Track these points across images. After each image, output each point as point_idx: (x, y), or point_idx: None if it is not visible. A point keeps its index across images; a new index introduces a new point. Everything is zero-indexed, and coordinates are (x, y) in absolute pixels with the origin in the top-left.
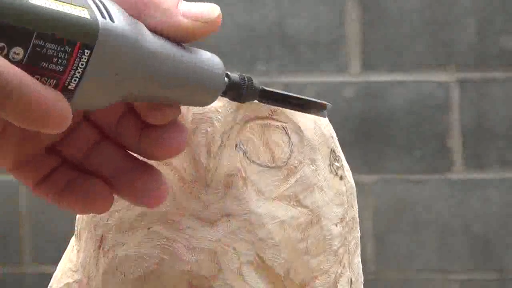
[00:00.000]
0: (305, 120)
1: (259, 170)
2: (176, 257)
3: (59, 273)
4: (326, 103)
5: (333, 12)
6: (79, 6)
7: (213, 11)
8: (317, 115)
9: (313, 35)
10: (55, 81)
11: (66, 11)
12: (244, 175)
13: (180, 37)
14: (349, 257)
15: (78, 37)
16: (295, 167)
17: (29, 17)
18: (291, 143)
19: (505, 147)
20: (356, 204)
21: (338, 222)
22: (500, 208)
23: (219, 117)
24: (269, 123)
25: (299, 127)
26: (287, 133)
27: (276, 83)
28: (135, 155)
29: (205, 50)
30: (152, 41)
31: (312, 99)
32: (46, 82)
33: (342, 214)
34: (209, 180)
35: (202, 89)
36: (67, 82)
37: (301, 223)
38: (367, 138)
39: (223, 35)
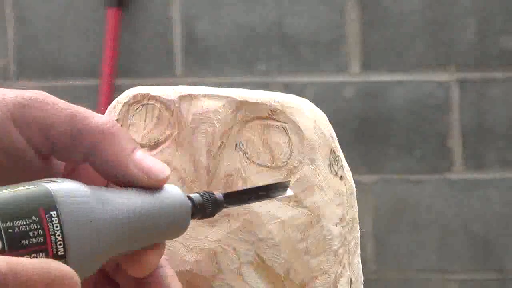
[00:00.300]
0: (305, 120)
1: (259, 170)
2: (176, 257)
3: None
4: (286, 181)
5: (333, 12)
6: (26, 185)
7: (163, 171)
8: (283, 195)
9: (313, 35)
10: (44, 253)
11: (14, 189)
12: (244, 175)
13: (126, 183)
14: (349, 257)
15: (37, 204)
16: (295, 167)
17: None
18: (291, 143)
19: (505, 147)
20: (356, 204)
21: (338, 222)
22: (500, 208)
23: (219, 117)
24: (269, 123)
25: (299, 127)
26: (287, 133)
27: (276, 83)
28: None
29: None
30: (108, 201)
31: (273, 183)
32: (38, 255)
33: (342, 214)
34: (209, 180)
35: (171, 226)
36: (54, 249)
37: (301, 223)
38: (367, 138)
39: (223, 35)
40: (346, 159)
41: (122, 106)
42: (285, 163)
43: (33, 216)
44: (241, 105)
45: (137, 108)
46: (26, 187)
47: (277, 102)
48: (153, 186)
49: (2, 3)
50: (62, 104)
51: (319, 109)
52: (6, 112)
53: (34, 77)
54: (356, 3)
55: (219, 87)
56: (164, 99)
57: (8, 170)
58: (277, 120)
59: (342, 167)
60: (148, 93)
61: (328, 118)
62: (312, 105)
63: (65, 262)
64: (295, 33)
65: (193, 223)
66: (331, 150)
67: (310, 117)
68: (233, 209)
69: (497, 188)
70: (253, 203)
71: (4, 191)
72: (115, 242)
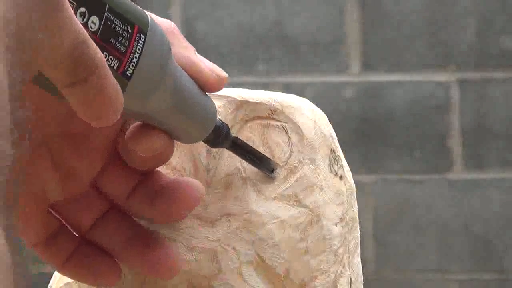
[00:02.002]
0: (305, 120)
1: (259, 170)
2: None
3: (59, 273)
4: (275, 164)
5: (333, 12)
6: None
7: (223, 71)
8: (270, 174)
9: (313, 35)
10: (118, 62)
11: None
12: (244, 175)
13: (197, 80)
14: (349, 257)
15: (137, 20)
16: (295, 166)
17: None
18: (291, 143)
19: (505, 147)
20: (356, 204)
21: (338, 222)
22: (500, 208)
23: (219, 117)
24: (269, 123)
25: (299, 126)
26: (287, 133)
27: (276, 83)
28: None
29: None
30: (178, 68)
31: (269, 158)
32: (111, 62)
33: (342, 214)
34: (209, 180)
35: (197, 125)
36: (126, 66)
37: (301, 223)
38: (367, 138)
39: (223, 35)
40: (346, 159)
41: None
42: (285, 163)
43: (129, 27)
44: (241, 104)
45: None
46: (135, 4)
47: (277, 102)
48: (216, 84)
49: None
50: None
51: (319, 109)
52: None
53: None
54: (356, 3)
55: None
56: None
57: None
58: (277, 120)
59: (342, 167)
60: None
61: (328, 118)
62: (312, 105)
63: (125, 84)
64: (295, 33)
65: (194, 223)
66: (331, 150)
67: (310, 117)
68: (233, 209)
69: (497, 188)
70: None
71: None
72: (166, 100)
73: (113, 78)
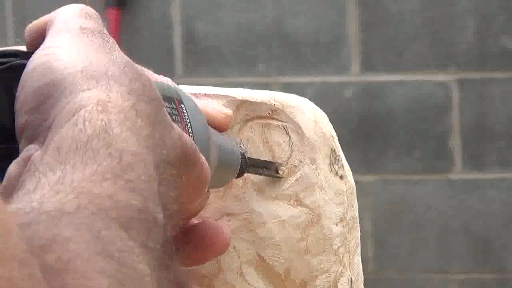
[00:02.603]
0: (305, 119)
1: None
2: None
3: None
4: (280, 162)
5: (333, 12)
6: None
7: (225, 108)
8: (277, 175)
9: (313, 35)
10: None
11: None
12: (244, 174)
13: (216, 125)
14: (349, 256)
15: (171, 94)
16: (295, 166)
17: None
18: (291, 143)
19: (505, 147)
20: (356, 204)
21: (338, 222)
22: (500, 208)
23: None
24: (269, 123)
25: (300, 126)
26: (287, 133)
27: (276, 83)
28: None
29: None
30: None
31: (272, 161)
32: None
33: (342, 214)
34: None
35: (230, 171)
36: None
37: (301, 223)
38: (367, 138)
39: (223, 35)
40: (346, 159)
41: None
42: (285, 163)
43: (172, 103)
44: (241, 104)
45: None
46: (160, 81)
47: (278, 101)
48: (227, 123)
49: (2, 3)
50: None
51: (320, 109)
52: None
53: None
54: (356, 3)
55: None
56: None
57: None
58: (277, 120)
59: (343, 167)
60: None
61: (328, 118)
62: (312, 104)
63: None
64: (295, 33)
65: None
66: (332, 149)
67: (310, 116)
68: (234, 209)
69: (497, 188)
70: (253, 204)
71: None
72: (212, 155)
73: (203, 157)
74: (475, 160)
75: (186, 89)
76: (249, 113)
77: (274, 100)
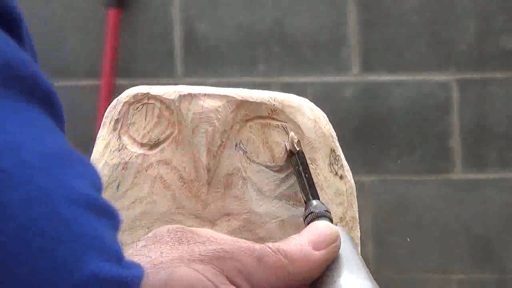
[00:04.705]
0: (305, 119)
1: (259, 170)
2: None
3: None
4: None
5: (333, 12)
6: None
7: (333, 230)
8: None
9: (313, 35)
10: None
11: None
12: (244, 174)
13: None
14: None
15: None
16: None
17: None
18: None
19: (505, 147)
20: (356, 204)
21: (338, 222)
22: (500, 208)
23: (219, 116)
24: (269, 123)
25: (299, 126)
26: (287, 133)
27: (276, 83)
28: None
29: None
30: None
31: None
32: None
33: (342, 213)
34: (209, 179)
35: None
36: None
37: (301, 222)
38: (367, 138)
39: (223, 35)
40: (346, 159)
41: (123, 105)
42: (285, 163)
43: None
44: (241, 104)
45: (137, 107)
46: None
47: (277, 101)
48: (335, 255)
49: None
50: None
51: (319, 109)
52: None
53: None
54: (356, 3)
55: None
56: (164, 99)
57: None
58: (277, 120)
59: (342, 167)
60: (148, 93)
61: (328, 118)
62: (312, 104)
63: None
64: (295, 33)
65: (194, 222)
66: (331, 149)
67: (310, 116)
68: (233, 209)
69: (497, 188)
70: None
71: None
72: None
73: None
74: (475, 160)
75: (186, 89)
76: (249, 113)
77: (274, 100)
